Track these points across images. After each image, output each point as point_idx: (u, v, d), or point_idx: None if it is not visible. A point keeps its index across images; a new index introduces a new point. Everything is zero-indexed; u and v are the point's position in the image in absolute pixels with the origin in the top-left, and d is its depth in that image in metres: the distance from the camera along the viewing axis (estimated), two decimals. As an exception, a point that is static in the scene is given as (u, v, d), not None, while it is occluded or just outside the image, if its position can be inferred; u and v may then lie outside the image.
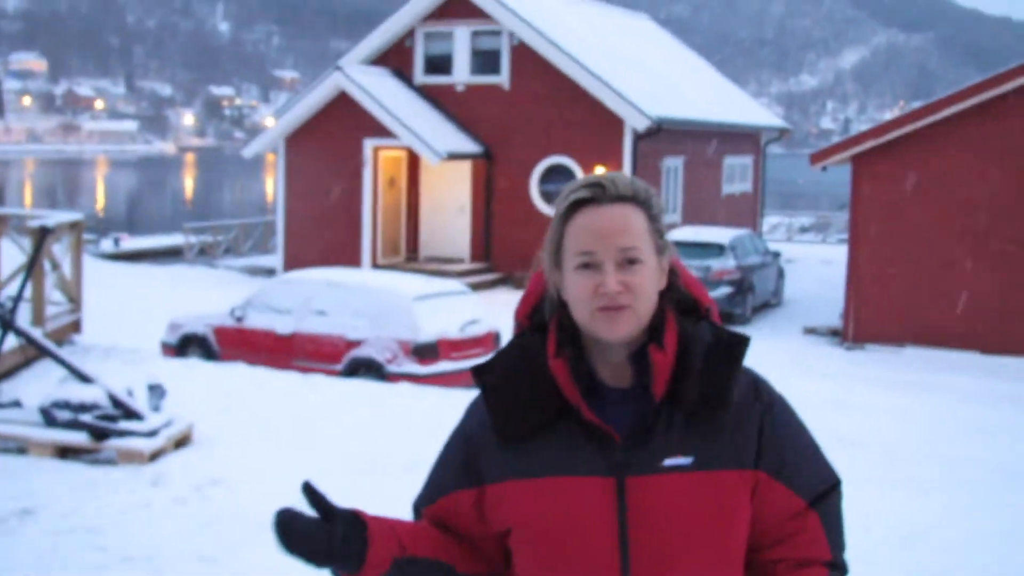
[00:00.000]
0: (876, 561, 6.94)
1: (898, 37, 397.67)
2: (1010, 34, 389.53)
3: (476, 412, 2.27)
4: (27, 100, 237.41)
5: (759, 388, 2.22)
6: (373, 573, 2.17)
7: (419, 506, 2.34)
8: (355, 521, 2.18)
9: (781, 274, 25.00)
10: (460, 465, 2.26)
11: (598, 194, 2.13)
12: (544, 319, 2.24)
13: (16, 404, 9.43)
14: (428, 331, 13.99)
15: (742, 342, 2.17)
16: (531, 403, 2.16)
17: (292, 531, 2.11)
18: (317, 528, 2.14)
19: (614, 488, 2.11)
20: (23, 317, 11.29)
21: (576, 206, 2.16)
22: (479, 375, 2.22)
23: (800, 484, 2.19)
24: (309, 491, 2.16)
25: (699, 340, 2.16)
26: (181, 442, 9.30)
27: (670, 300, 2.20)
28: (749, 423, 2.17)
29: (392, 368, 13.81)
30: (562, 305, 2.19)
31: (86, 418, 8.88)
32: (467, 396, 12.23)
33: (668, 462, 2.11)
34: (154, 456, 8.85)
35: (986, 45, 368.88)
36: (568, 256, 2.14)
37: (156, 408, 9.36)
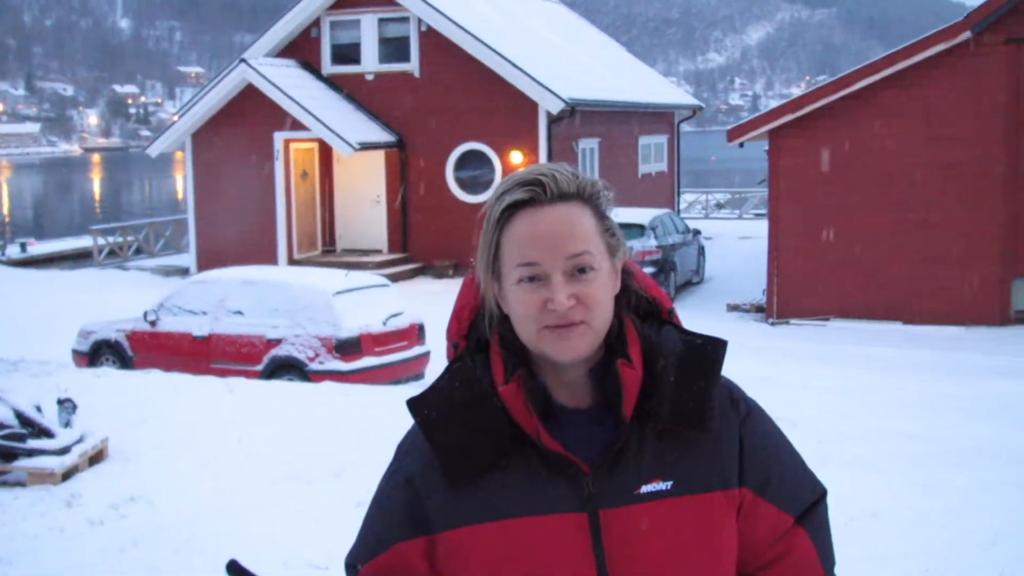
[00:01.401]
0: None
1: (802, 12, 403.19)
2: (911, 6, 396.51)
3: (414, 450, 1.95)
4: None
5: (734, 396, 1.97)
6: None
7: (354, 563, 2.00)
8: None
9: (702, 252, 24.98)
10: (402, 512, 1.93)
11: (537, 194, 1.82)
12: (483, 336, 1.93)
13: (-84, 426, 8.90)
14: (350, 326, 13.63)
15: (718, 347, 1.90)
16: (481, 437, 1.85)
17: None
18: None
19: (587, 524, 1.83)
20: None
21: (512, 209, 1.84)
22: (416, 410, 1.90)
23: (786, 499, 1.96)
24: (235, 571, 1.89)
25: (668, 348, 1.89)
26: (95, 458, 8.84)
27: (626, 305, 1.93)
28: (729, 436, 1.92)
29: (314, 366, 13.44)
30: (504, 318, 1.89)
31: (-9, 438, 8.39)
32: (393, 393, 11.94)
33: (645, 488, 1.85)
34: (67, 475, 8.39)
35: (888, 18, 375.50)
36: (507, 267, 1.84)
37: (67, 424, 8.89)
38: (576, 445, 1.85)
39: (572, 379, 1.88)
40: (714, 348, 1.89)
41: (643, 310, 1.96)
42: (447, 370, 1.93)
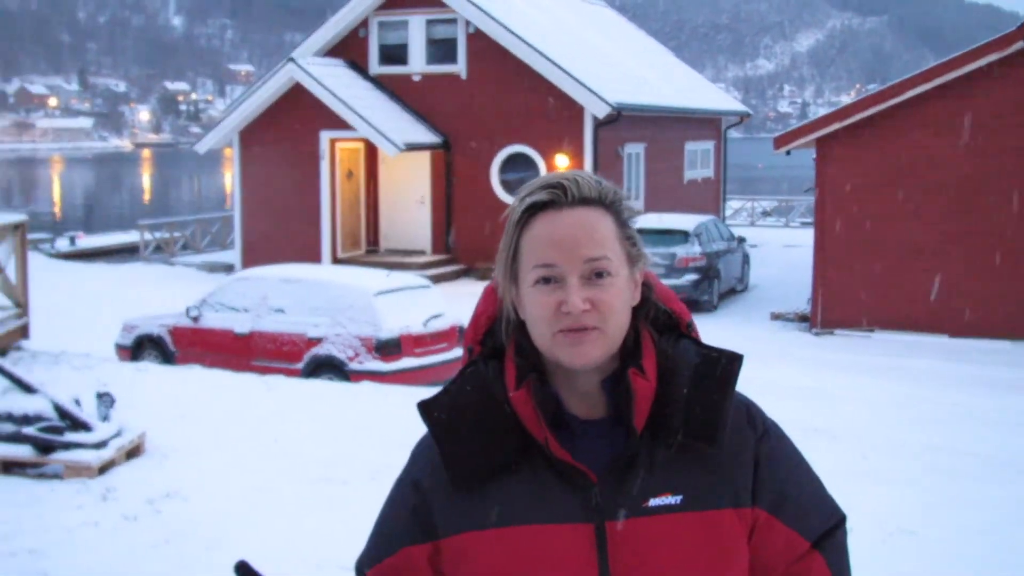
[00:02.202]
0: (859, 563, 6.64)
1: (853, 20, 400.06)
2: (963, 15, 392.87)
3: (425, 455, 1.94)
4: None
5: (752, 414, 1.94)
6: None
7: (363, 567, 1.99)
8: None
9: (746, 259, 24.79)
10: (409, 517, 1.92)
11: (558, 197, 1.81)
12: (500, 343, 1.91)
13: (-43, 417, 8.97)
14: (390, 327, 13.63)
15: (733, 361, 1.87)
16: (489, 442, 1.84)
17: None
18: None
19: (593, 535, 1.81)
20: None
21: (533, 211, 1.83)
22: (427, 412, 1.88)
23: (803, 523, 1.91)
24: (244, 572, 1.90)
25: (683, 362, 1.87)
26: (132, 453, 8.88)
27: (644, 317, 1.91)
28: (743, 454, 1.89)
29: (354, 366, 13.45)
30: (520, 325, 1.87)
31: (29, 430, 8.44)
32: (432, 394, 11.85)
33: (654, 502, 1.82)
34: (103, 469, 8.42)
35: (940, 27, 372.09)
36: (525, 269, 1.83)
37: (105, 418, 8.93)
38: (586, 455, 1.83)
39: (585, 388, 1.85)
40: (729, 362, 1.86)
41: (661, 323, 1.93)
42: (459, 374, 1.91)
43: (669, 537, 1.80)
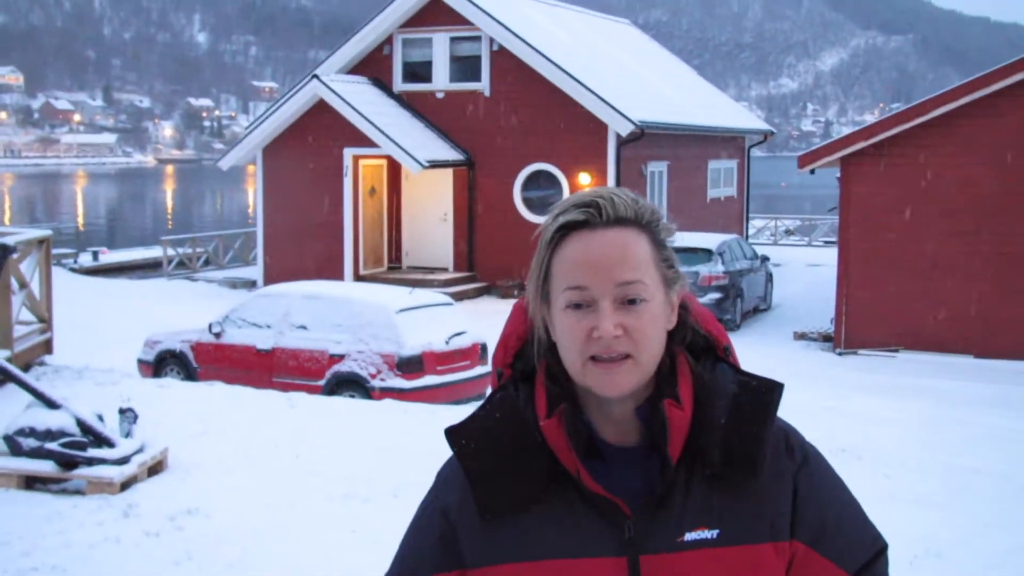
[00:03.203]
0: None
1: (877, 39, 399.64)
2: (988, 34, 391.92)
3: (452, 481, 1.87)
4: (3, 114, 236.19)
5: (791, 441, 1.85)
6: None
7: None
8: None
9: (769, 278, 24.70)
10: (436, 543, 1.85)
11: (592, 216, 1.74)
12: (530, 365, 1.85)
13: (-19, 431, 8.98)
14: (412, 344, 13.60)
15: (773, 390, 1.78)
16: (519, 472, 1.77)
17: None
18: None
19: (627, 570, 1.74)
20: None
21: (566, 230, 1.75)
22: (455, 439, 1.82)
23: (843, 554, 1.82)
24: None
25: (720, 389, 1.79)
26: (154, 469, 8.86)
27: (680, 340, 1.83)
28: (781, 484, 1.80)
29: (376, 383, 13.43)
30: (552, 347, 1.80)
31: (52, 446, 8.44)
32: (453, 413, 11.86)
33: (690, 536, 1.75)
34: (125, 485, 8.41)
35: (965, 46, 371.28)
36: (556, 291, 1.76)
37: (127, 433, 8.92)
38: (619, 486, 1.77)
39: (618, 416, 1.79)
40: (769, 391, 1.78)
41: (698, 346, 1.86)
42: (489, 399, 1.85)
43: (706, 572, 1.74)
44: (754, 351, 18.37)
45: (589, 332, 1.71)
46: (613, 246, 1.72)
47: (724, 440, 1.75)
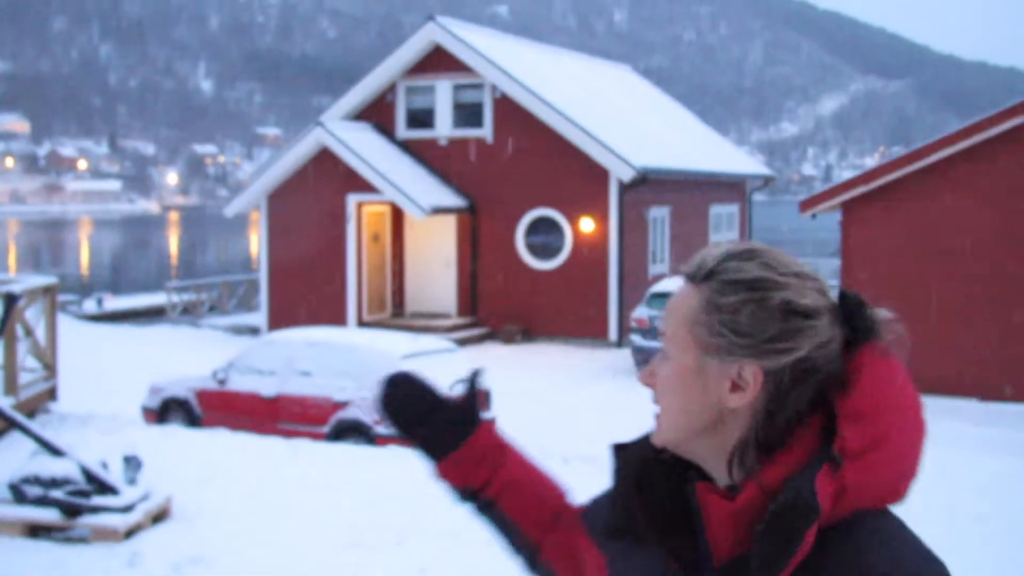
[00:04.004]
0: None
1: (876, 83, 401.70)
2: (986, 78, 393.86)
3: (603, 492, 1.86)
4: (9, 161, 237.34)
5: None
6: (456, 472, 1.95)
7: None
8: (472, 420, 1.96)
9: (772, 323, 24.68)
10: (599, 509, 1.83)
11: (683, 267, 1.69)
12: None
13: (-15, 480, 9.00)
14: (416, 391, 13.57)
15: (801, 516, 1.45)
16: (651, 508, 1.65)
17: (401, 389, 1.95)
18: (430, 398, 1.96)
19: None
20: (-5, 387, 10.89)
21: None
22: (616, 451, 1.73)
23: None
24: (472, 378, 1.96)
25: (773, 495, 1.51)
26: (159, 517, 8.87)
27: (801, 424, 1.55)
28: None
29: (380, 430, 13.42)
30: None
31: (57, 494, 8.45)
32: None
33: None
34: (130, 533, 8.42)
35: (963, 90, 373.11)
36: None
37: (132, 481, 8.94)
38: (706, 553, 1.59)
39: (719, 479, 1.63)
40: (798, 516, 1.45)
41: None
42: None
43: None
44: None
45: None
46: (674, 299, 1.66)
47: (755, 555, 1.48)
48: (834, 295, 1.64)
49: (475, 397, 2.01)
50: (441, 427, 1.95)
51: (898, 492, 1.55)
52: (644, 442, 1.71)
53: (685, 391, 1.60)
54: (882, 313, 1.66)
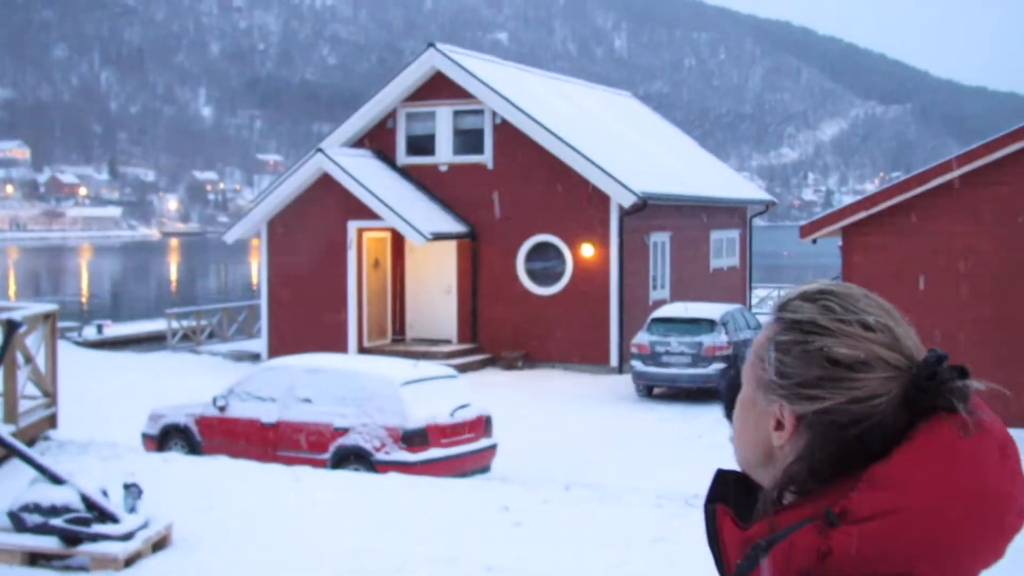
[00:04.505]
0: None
1: (876, 109, 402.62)
2: (986, 103, 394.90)
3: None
4: (10, 188, 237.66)
5: None
6: None
7: None
8: None
9: (773, 348, 24.65)
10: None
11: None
12: None
13: (-15, 508, 8.96)
14: (417, 417, 13.57)
15: (748, 557, 1.48)
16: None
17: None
18: None
19: None
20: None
21: None
22: (717, 474, 1.68)
23: None
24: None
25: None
26: (159, 545, 8.83)
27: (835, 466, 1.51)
28: None
29: (380, 456, 13.38)
30: None
31: (57, 522, 8.41)
32: (458, 486, 11.83)
33: None
34: (129, 561, 8.38)
35: (963, 114, 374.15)
36: None
37: (132, 509, 8.90)
38: None
39: None
40: (754, 550, 1.48)
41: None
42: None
43: None
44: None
45: None
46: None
47: None
48: (920, 353, 1.56)
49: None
50: None
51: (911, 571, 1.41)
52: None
53: (745, 420, 1.61)
54: (973, 385, 1.56)
